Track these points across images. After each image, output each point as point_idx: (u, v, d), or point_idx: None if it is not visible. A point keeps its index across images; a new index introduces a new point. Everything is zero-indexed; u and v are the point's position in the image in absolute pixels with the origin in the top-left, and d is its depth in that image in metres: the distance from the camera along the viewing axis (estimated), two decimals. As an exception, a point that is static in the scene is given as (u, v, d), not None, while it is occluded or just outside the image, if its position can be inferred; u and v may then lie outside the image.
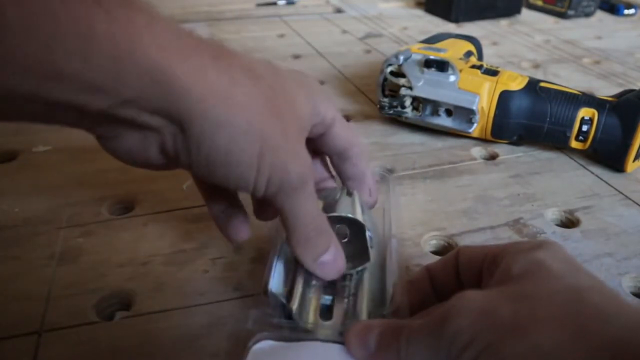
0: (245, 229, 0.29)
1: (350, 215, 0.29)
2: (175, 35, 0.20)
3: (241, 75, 0.22)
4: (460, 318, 0.20)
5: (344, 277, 0.28)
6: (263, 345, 0.24)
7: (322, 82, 0.64)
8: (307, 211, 0.26)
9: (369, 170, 0.31)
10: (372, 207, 0.32)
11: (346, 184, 0.31)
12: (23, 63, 0.17)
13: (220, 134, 0.21)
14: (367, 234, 0.29)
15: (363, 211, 0.30)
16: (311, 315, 0.27)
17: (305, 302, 0.27)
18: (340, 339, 0.24)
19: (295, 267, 0.28)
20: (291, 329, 0.25)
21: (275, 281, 0.27)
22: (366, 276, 0.29)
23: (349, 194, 0.31)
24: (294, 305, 0.26)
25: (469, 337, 0.20)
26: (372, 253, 0.29)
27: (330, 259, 0.27)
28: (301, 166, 0.24)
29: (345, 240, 0.30)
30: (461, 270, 0.26)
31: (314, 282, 0.28)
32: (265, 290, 0.27)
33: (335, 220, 0.29)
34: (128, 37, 0.18)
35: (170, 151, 0.23)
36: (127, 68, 0.18)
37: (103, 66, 0.18)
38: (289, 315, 0.26)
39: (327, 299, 0.28)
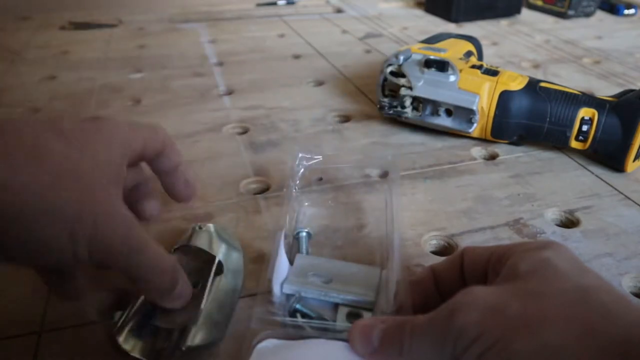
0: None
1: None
2: None
3: (23, 160, 0.21)
4: (467, 313, 0.20)
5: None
6: (267, 343, 0.24)
7: (322, 82, 0.64)
8: (155, 264, 0.25)
9: (183, 162, 0.30)
10: (190, 198, 0.31)
11: (164, 180, 0.30)
12: None
13: (14, 227, 0.20)
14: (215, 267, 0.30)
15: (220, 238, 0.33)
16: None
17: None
18: (344, 336, 0.24)
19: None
20: (295, 327, 0.25)
21: (278, 276, 0.27)
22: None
23: (200, 227, 0.33)
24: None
25: (477, 333, 0.20)
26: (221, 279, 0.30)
27: (180, 290, 0.26)
28: (123, 226, 0.23)
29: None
30: (466, 270, 0.26)
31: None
32: (269, 289, 0.27)
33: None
34: None
35: None
36: None
37: None
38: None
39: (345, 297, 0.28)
